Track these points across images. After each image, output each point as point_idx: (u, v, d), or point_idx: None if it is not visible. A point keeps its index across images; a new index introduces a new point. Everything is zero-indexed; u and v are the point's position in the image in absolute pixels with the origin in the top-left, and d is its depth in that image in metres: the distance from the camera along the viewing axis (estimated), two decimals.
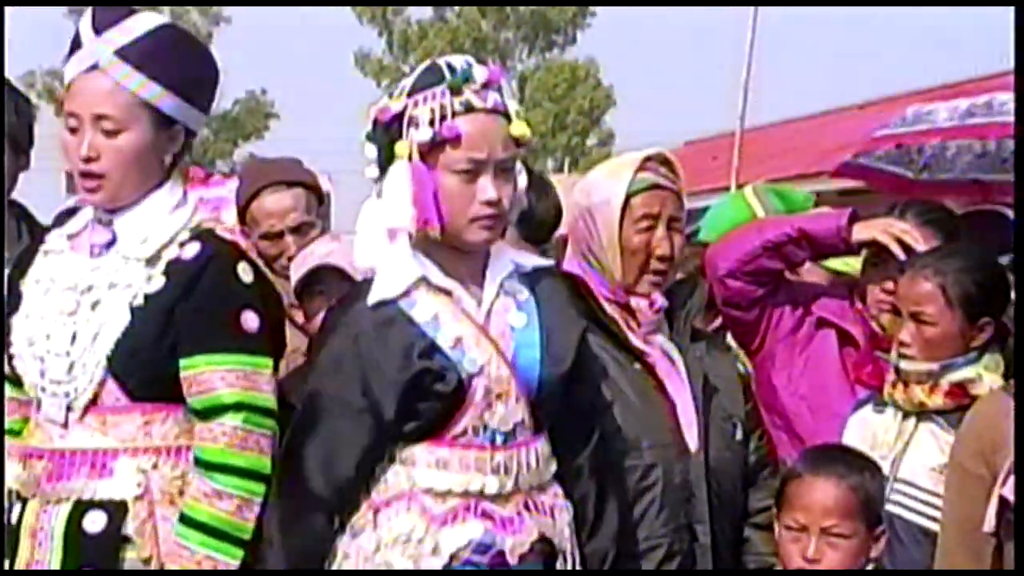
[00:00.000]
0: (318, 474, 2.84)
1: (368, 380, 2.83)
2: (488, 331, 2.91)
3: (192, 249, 2.92)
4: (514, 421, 2.90)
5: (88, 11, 2.96)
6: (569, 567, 2.95)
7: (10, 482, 2.93)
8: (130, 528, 2.86)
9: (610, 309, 3.29)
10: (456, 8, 36.66)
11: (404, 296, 2.87)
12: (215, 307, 2.89)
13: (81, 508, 2.85)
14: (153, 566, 2.86)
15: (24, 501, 2.91)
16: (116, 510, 2.85)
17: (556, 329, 2.96)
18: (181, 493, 2.87)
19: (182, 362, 2.88)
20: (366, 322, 2.86)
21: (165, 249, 2.92)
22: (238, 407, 2.86)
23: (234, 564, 2.84)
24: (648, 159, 3.32)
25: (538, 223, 4.19)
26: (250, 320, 2.91)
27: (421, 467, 2.87)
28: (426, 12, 36.62)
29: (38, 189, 3.77)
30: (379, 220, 2.88)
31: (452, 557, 2.84)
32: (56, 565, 2.84)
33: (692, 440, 3.25)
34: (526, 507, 2.91)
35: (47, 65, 27.75)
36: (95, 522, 2.85)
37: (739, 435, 3.37)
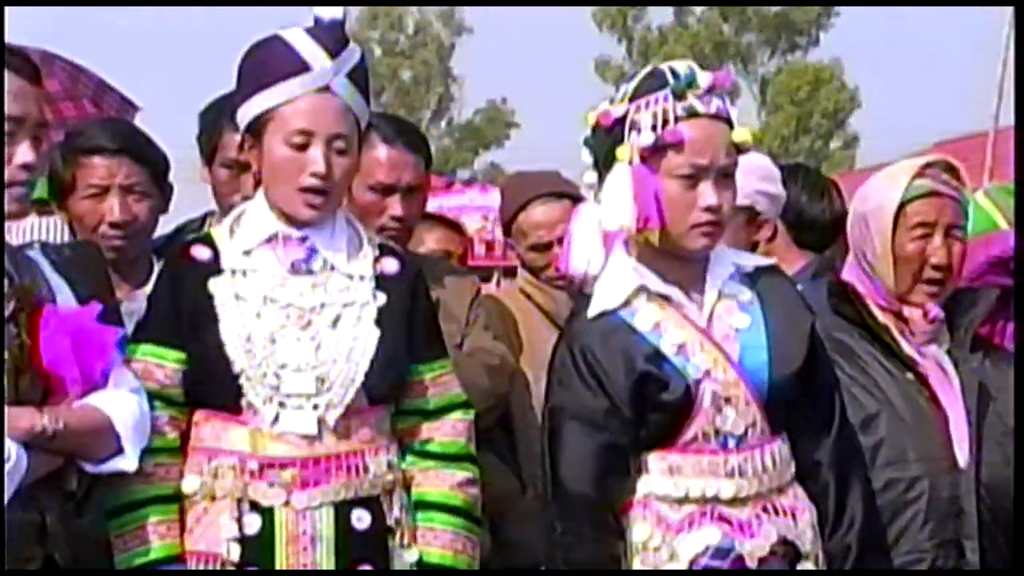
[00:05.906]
0: (584, 505, 2.85)
1: (602, 385, 2.84)
2: (711, 335, 2.88)
3: (391, 264, 3.02)
4: (746, 424, 2.87)
5: (299, 30, 2.96)
6: (814, 568, 2.88)
7: (237, 492, 2.93)
8: (390, 519, 2.96)
9: (882, 317, 3.23)
10: (697, 12, 36.51)
11: (625, 306, 2.88)
12: (433, 316, 3.11)
13: (344, 508, 2.92)
14: (414, 553, 2.98)
15: (265, 511, 2.92)
16: (376, 505, 2.95)
17: (783, 328, 2.91)
18: (406, 483, 3.00)
19: (422, 367, 3.03)
20: (589, 335, 2.87)
21: (372, 265, 3.02)
22: (465, 404, 3.07)
23: (478, 540, 3.07)
24: (928, 165, 3.26)
25: (810, 225, 4.04)
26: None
27: (655, 474, 2.86)
28: (667, 17, 36.60)
29: None
30: (596, 224, 2.90)
31: (691, 564, 2.83)
32: (330, 567, 2.92)
33: (963, 456, 3.16)
34: (764, 510, 2.87)
35: None
36: (361, 519, 2.93)
37: None
